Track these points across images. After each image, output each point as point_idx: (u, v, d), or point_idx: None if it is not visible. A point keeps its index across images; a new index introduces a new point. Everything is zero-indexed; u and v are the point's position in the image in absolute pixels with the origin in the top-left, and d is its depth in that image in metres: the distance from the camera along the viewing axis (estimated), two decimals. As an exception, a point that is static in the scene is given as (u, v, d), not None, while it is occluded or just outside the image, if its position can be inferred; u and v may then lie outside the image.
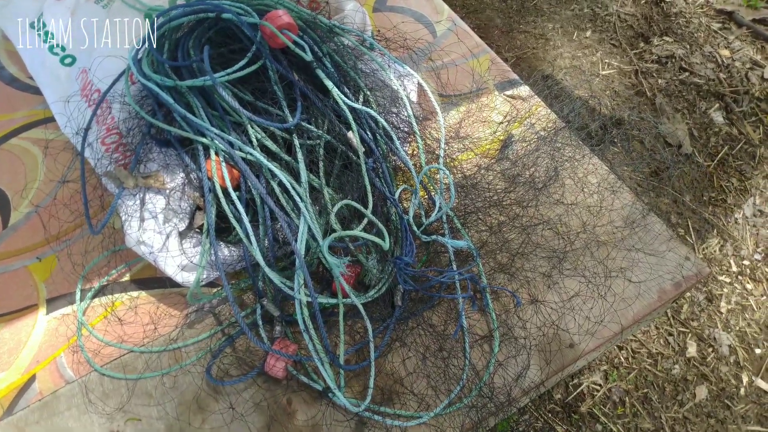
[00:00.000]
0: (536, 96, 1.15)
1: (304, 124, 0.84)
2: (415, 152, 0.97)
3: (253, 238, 0.76)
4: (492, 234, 0.93)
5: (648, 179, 1.65)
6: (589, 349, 0.86)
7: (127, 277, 0.90)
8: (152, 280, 0.89)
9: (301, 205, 0.77)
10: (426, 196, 0.94)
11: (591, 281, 0.91)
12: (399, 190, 0.89)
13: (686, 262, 0.94)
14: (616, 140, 1.69)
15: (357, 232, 0.75)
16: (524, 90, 1.15)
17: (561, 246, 0.94)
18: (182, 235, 0.83)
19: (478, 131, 1.08)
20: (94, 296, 0.88)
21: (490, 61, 1.19)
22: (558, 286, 0.90)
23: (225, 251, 0.83)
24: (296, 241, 0.74)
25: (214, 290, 0.88)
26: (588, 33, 2.08)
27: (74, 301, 0.88)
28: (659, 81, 1.91)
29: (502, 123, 1.07)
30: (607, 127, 1.75)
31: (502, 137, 1.07)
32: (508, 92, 1.15)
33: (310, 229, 0.77)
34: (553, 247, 0.94)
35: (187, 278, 0.81)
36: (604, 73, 1.94)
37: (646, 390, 1.33)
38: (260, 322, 0.83)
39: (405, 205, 0.94)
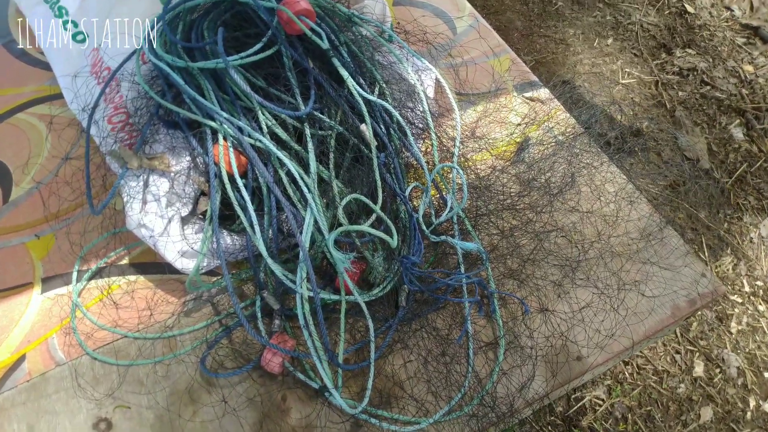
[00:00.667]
0: (556, 99, 1.12)
1: (316, 113, 0.81)
2: (428, 149, 0.95)
3: (257, 228, 0.74)
4: (503, 238, 0.90)
5: (664, 192, 1.61)
6: (597, 363, 0.83)
7: (125, 261, 0.88)
8: (151, 265, 0.87)
9: (309, 196, 0.74)
10: (437, 195, 0.92)
11: (603, 293, 0.88)
12: (410, 188, 0.86)
13: (702, 279, 0.91)
14: (634, 150, 1.66)
15: (364, 227, 0.72)
16: (544, 93, 1.12)
17: (574, 255, 0.91)
18: (184, 221, 0.80)
19: (495, 132, 1.05)
20: (90, 278, 0.86)
21: (510, 61, 1.16)
22: (569, 295, 0.87)
23: (227, 240, 0.81)
24: (301, 233, 0.71)
25: (214, 279, 0.85)
26: (609, 41, 2.04)
27: (70, 281, 0.85)
28: (680, 93, 1.88)
29: (519, 125, 1.04)
30: (625, 136, 1.71)
31: (518, 139, 1.04)
32: (527, 94, 1.12)
33: (316, 221, 0.74)
34: (566, 256, 0.91)
35: (186, 265, 0.79)
36: (624, 81, 1.91)
37: (649, 408, 1.29)
38: (259, 315, 0.81)
39: (415, 203, 0.91)
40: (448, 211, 0.83)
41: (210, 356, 0.80)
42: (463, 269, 0.85)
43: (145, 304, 0.84)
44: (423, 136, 0.95)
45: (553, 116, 1.09)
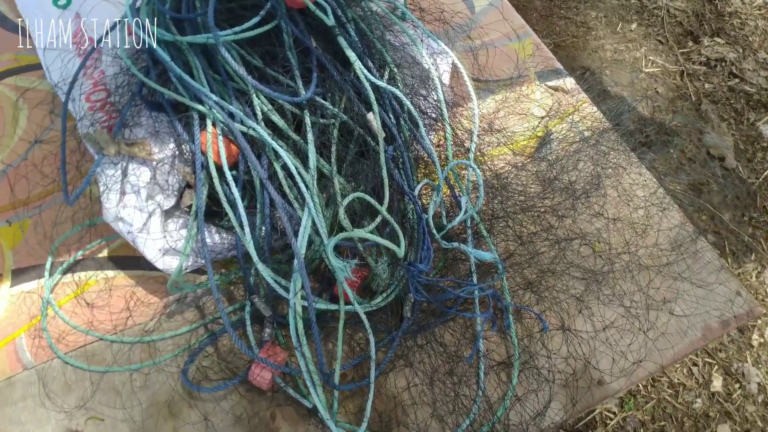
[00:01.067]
0: (582, 90, 1.02)
1: (318, 99, 0.72)
2: (441, 143, 0.85)
3: (247, 228, 0.65)
4: (521, 245, 0.82)
5: (686, 192, 1.52)
6: (620, 388, 0.75)
7: (104, 254, 0.79)
8: (132, 260, 0.79)
9: (307, 194, 0.66)
10: (449, 194, 0.83)
11: (629, 311, 0.80)
12: (420, 185, 0.77)
13: (737, 298, 0.83)
14: (656, 145, 1.56)
15: (368, 234, 0.64)
16: (569, 82, 1.02)
17: (598, 266, 0.83)
18: (167, 215, 0.72)
19: (514, 124, 0.95)
20: (65, 272, 0.78)
21: (533, 45, 1.06)
22: (592, 312, 0.79)
23: (215, 237, 0.73)
24: (297, 237, 0.63)
25: (199, 279, 0.77)
26: (633, 26, 1.93)
27: (42, 275, 0.77)
28: (706, 85, 1.77)
29: (543, 118, 0.95)
30: (647, 129, 1.61)
31: (539, 134, 0.95)
32: (551, 83, 1.02)
33: (314, 223, 0.65)
34: (589, 267, 0.82)
35: (168, 264, 0.71)
36: (647, 70, 1.80)
37: (663, 423, 1.22)
38: (248, 322, 0.73)
39: (424, 201, 0.82)
40: (463, 214, 0.74)
41: (193, 366, 0.73)
42: (475, 279, 0.77)
43: (123, 304, 0.76)
44: (435, 127, 0.86)
45: (578, 109, 0.99)
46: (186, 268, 0.73)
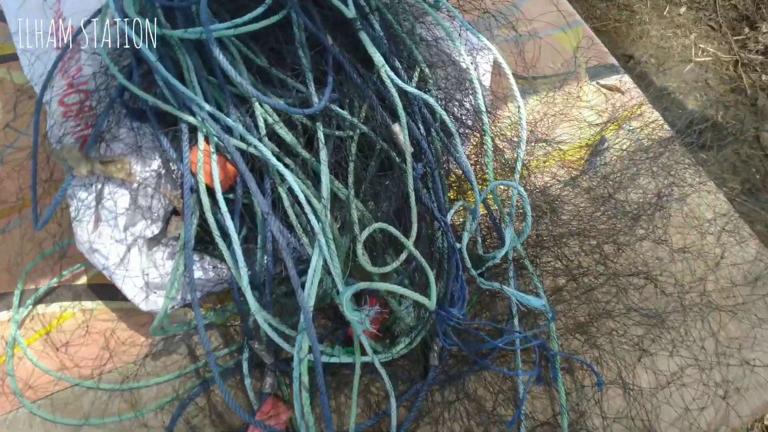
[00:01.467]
0: (640, 90, 0.88)
1: (334, 107, 0.59)
2: (473, 155, 0.73)
3: (243, 268, 0.53)
4: (571, 279, 0.69)
5: (739, 197, 1.37)
6: (688, 457, 0.63)
7: (82, 281, 0.69)
8: (113, 289, 0.67)
9: (317, 227, 0.53)
10: (485, 213, 0.70)
11: (699, 361, 0.67)
12: (453, 209, 0.65)
13: (826, 346, 0.70)
14: (706, 144, 1.41)
15: (394, 286, 0.52)
16: (626, 81, 0.88)
17: (661, 305, 0.70)
18: (151, 244, 0.60)
19: (562, 131, 0.82)
20: (36, 302, 0.67)
21: (584, 37, 0.92)
22: (653, 362, 0.67)
23: (209, 269, 0.61)
24: (304, 285, 0.51)
25: (191, 315, 0.66)
26: (682, 9, 1.75)
27: (10, 305, 0.67)
28: (763, 77, 1.60)
29: (598, 125, 0.81)
30: (695, 127, 1.46)
31: (590, 142, 0.82)
32: (604, 81, 0.89)
33: (325, 262, 0.53)
34: (651, 307, 0.70)
35: (153, 305, 0.59)
36: (697, 59, 1.64)
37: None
38: (246, 370, 0.62)
39: (454, 219, 0.70)
40: (506, 248, 0.61)
41: (181, 420, 0.62)
42: (516, 323, 0.65)
43: (103, 343, 0.65)
44: (470, 134, 0.73)
45: (636, 113, 0.85)
46: (173, 307, 0.61)
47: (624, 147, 0.81)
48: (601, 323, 0.68)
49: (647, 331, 0.68)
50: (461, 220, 0.71)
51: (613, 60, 0.90)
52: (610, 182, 0.78)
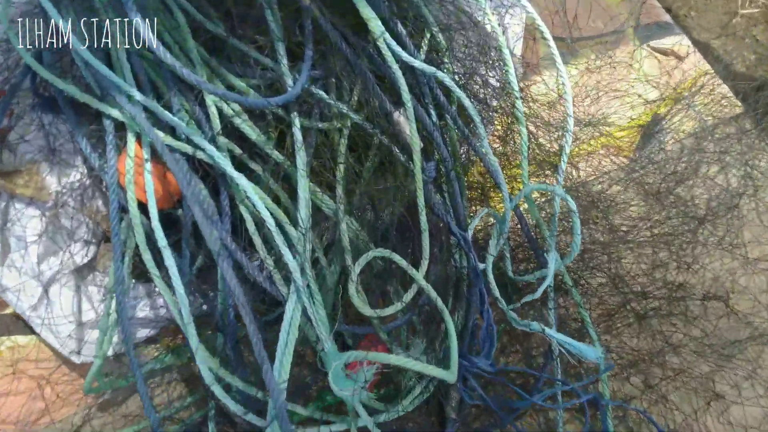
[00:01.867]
0: (701, 55, 0.72)
1: (315, 90, 0.44)
2: (498, 142, 0.57)
3: (186, 310, 0.39)
4: (623, 304, 0.55)
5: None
6: None
7: (8, 310, 0.55)
8: (50, 322, 0.54)
9: (293, 264, 0.39)
10: (515, 220, 0.55)
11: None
12: (475, 219, 0.50)
13: None
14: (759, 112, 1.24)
15: (405, 359, 0.38)
16: (683, 43, 0.72)
17: (732, 328, 0.56)
18: (83, 272, 0.46)
19: (606, 107, 0.66)
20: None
21: (632, -11, 0.75)
22: (726, 407, 0.53)
23: (158, 302, 0.47)
24: (275, 359, 0.37)
25: (147, 354, 0.53)
26: (726, -47, 1.54)
27: None
28: (820, 30, 1.41)
29: (652, 101, 0.65)
30: (744, 91, 1.28)
31: (641, 122, 0.66)
32: (656, 43, 0.72)
33: (305, 311, 0.39)
34: (722, 334, 0.55)
35: (87, 356, 0.46)
36: (744, 11, 1.44)
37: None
38: (212, 429, 0.48)
39: (476, 230, 0.55)
40: (548, 279, 0.46)
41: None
42: (558, 366, 0.50)
43: (36, 391, 0.52)
44: (494, 118, 0.57)
45: (696, 83, 0.69)
46: (118, 350, 0.47)
47: (683, 128, 0.65)
48: (658, 357, 0.54)
49: (717, 366, 0.54)
50: (482, 225, 0.57)
51: (667, 17, 0.74)
52: (668, 172, 0.62)
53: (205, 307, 0.46)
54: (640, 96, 0.66)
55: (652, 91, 0.68)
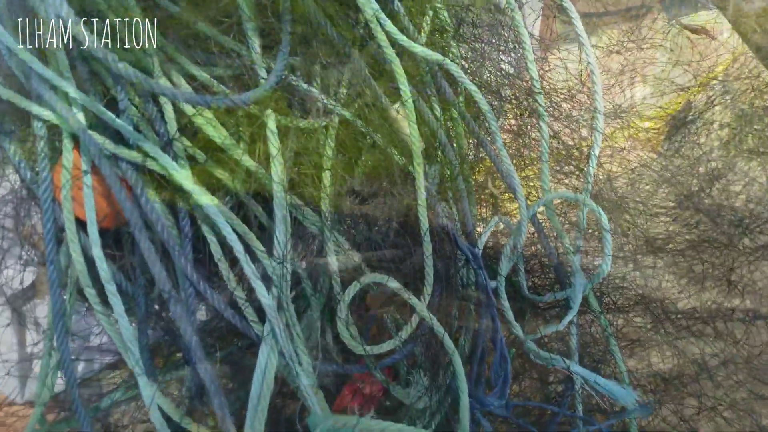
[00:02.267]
0: (736, 33, 0.64)
1: (294, 81, 0.36)
2: (511, 139, 0.50)
3: (133, 343, 0.32)
4: (654, 323, 0.48)
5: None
6: None
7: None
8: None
9: (267, 302, 0.32)
10: (532, 231, 0.48)
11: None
12: (487, 231, 0.43)
13: None
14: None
15: (397, 425, 0.31)
16: (714, 17, 0.64)
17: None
18: (24, 297, 0.39)
19: (631, 92, 0.58)
20: None
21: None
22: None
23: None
24: (247, 417, 0.30)
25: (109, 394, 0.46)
26: None
27: None
28: None
29: (688, 88, 0.57)
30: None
31: (670, 111, 0.58)
32: (686, 20, 0.64)
33: (281, 354, 0.32)
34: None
35: (29, 396, 0.39)
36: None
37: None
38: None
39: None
40: (573, 309, 0.39)
41: None
42: (579, 397, 0.44)
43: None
44: (507, 110, 0.49)
45: (731, 64, 0.61)
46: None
47: (717, 117, 0.58)
48: (694, 385, 0.47)
49: (761, 397, 0.47)
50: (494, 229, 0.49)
51: (699, -11, 0.65)
52: (701, 168, 0.55)
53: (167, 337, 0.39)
54: (673, 82, 0.58)
55: (682, 74, 0.60)
